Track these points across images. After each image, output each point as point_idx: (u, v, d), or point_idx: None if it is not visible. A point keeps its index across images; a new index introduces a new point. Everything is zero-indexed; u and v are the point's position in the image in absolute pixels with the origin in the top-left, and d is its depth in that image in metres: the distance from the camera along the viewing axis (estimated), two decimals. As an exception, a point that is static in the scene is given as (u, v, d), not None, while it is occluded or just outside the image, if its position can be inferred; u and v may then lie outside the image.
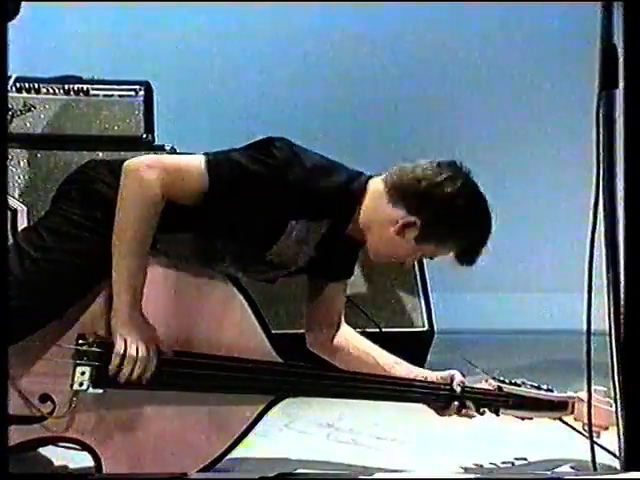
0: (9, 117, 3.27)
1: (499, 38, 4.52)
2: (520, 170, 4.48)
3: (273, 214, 2.03)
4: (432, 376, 2.23)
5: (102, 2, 4.02)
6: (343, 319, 2.31)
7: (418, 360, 2.34)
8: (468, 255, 2.14)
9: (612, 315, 1.79)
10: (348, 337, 2.30)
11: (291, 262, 2.14)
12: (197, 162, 2.01)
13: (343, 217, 2.12)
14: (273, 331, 2.11)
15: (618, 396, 1.81)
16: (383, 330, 2.33)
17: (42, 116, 3.28)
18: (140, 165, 1.99)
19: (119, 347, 1.93)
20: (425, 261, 3.22)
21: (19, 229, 2.18)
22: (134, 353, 1.93)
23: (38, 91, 3.27)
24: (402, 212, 2.09)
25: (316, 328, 2.29)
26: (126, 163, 2.00)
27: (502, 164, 4.25)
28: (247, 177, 1.99)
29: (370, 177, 2.16)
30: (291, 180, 1.99)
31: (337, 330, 2.29)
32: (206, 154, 2.04)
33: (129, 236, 1.96)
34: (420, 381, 2.21)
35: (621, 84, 1.93)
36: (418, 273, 3.32)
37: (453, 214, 2.09)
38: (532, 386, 2.28)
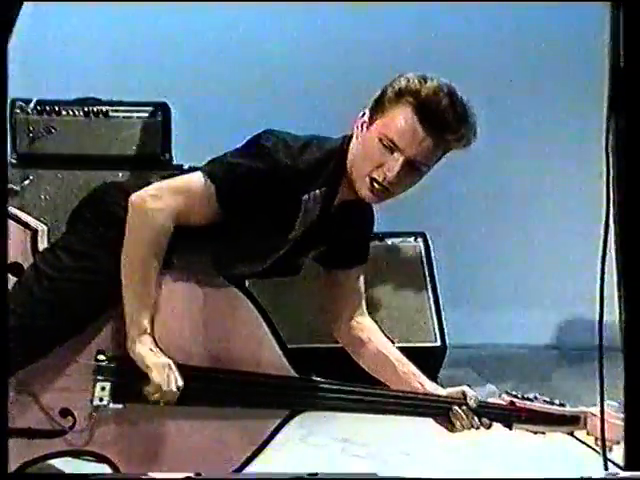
0: (30, 139, 3.36)
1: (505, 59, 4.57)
2: (525, 184, 4.52)
3: (280, 197, 2.07)
4: (445, 392, 2.26)
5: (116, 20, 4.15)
6: (365, 311, 2.33)
7: (430, 375, 2.37)
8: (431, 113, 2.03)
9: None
10: (371, 334, 2.31)
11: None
12: (197, 177, 2.06)
13: (335, 178, 2.14)
14: (288, 345, 2.15)
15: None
16: (396, 345, 2.37)
17: (62, 137, 3.38)
18: (145, 197, 2.03)
19: (142, 368, 1.97)
20: (437, 277, 3.31)
21: (39, 249, 2.23)
22: (156, 378, 1.97)
23: (58, 113, 3.36)
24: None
25: (337, 319, 2.32)
26: (132, 197, 2.03)
27: (507, 174, 4.28)
28: (247, 172, 2.05)
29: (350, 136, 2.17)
30: (283, 160, 2.04)
31: (359, 322, 2.31)
32: (201, 168, 2.09)
33: (138, 266, 2.01)
34: (436, 396, 2.23)
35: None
36: (430, 288, 3.38)
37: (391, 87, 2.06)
38: (544, 400, 2.30)
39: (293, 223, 2.13)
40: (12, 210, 2.52)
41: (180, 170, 3.24)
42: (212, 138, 3.85)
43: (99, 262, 2.05)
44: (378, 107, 2.09)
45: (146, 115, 3.39)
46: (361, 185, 2.10)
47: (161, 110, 3.40)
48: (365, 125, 2.11)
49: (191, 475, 1.81)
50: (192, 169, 2.20)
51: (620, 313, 1.95)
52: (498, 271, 4.43)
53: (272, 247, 2.19)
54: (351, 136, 2.15)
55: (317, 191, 2.13)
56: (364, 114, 2.12)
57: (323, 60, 4.39)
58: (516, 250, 4.45)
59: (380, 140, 2.05)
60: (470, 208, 4.39)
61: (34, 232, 2.25)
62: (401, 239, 3.42)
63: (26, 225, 2.29)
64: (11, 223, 2.30)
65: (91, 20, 4.22)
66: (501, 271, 4.43)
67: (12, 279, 2.16)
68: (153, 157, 3.39)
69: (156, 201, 2.02)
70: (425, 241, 3.42)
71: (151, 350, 1.98)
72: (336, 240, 2.25)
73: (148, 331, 1.99)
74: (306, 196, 2.12)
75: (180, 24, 4.31)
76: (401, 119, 2.04)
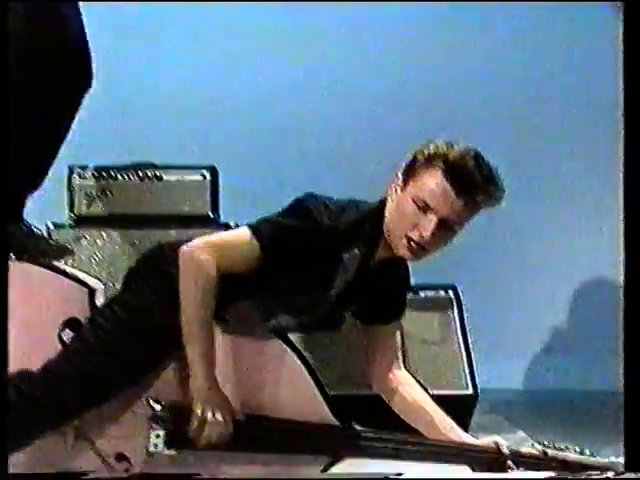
0: (87, 202, 3.53)
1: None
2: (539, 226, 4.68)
3: (321, 256, 2.21)
4: (479, 442, 2.35)
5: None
6: (401, 363, 2.45)
7: (462, 422, 2.46)
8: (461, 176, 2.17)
9: None
10: (407, 385, 2.42)
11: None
12: (244, 232, 2.23)
13: (373, 238, 2.28)
14: (330, 393, 2.27)
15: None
16: (429, 393, 2.46)
17: (118, 200, 3.51)
18: (194, 249, 2.20)
19: (199, 414, 2.10)
20: (468, 326, 3.41)
21: (97, 306, 2.38)
22: (213, 420, 2.10)
23: (115, 178, 3.49)
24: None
25: (375, 370, 2.43)
26: (182, 248, 2.20)
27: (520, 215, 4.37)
28: (289, 232, 2.20)
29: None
30: (324, 221, 2.20)
31: (395, 373, 2.42)
32: (249, 224, 2.25)
33: (193, 313, 2.15)
34: (471, 446, 2.33)
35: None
36: (461, 337, 3.46)
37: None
38: (575, 450, 2.36)
39: (333, 280, 2.27)
40: (70, 269, 2.69)
41: (226, 228, 3.47)
42: (256, 198, 4.13)
43: (154, 316, 2.20)
44: (410, 171, 2.24)
45: (196, 177, 3.54)
46: (398, 244, 2.23)
47: (210, 173, 3.54)
48: (399, 188, 2.25)
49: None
50: (236, 227, 2.37)
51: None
52: (525, 318, 4.59)
53: (313, 302, 2.32)
54: (386, 198, 2.29)
55: (356, 250, 2.27)
56: (397, 177, 2.26)
57: (357, 125, 4.64)
58: (541, 298, 4.63)
59: (414, 202, 2.20)
60: (497, 261, 4.63)
61: (92, 290, 2.41)
62: (433, 292, 3.54)
63: (84, 284, 2.45)
64: (70, 282, 2.48)
65: (144, 90, 4.51)
66: (528, 318, 4.59)
67: (70, 333, 2.33)
68: (202, 216, 3.52)
69: (203, 252, 2.18)
70: (455, 293, 3.52)
71: (209, 386, 2.12)
72: (374, 296, 2.38)
73: (209, 370, 2.12)
74: (345, 255, 2.26)
75: (227, 93, 4.55)
76: (432, 182, 2.19)
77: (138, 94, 4.48)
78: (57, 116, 2.82)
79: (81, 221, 3.52)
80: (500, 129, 4.60)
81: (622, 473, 2.18)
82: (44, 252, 2.73)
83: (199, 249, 2.20)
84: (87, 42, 2.81)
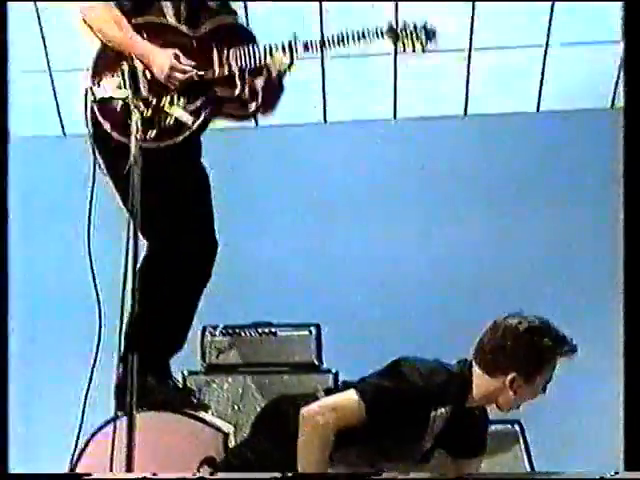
0: (216, 354, 4.24)
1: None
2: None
3: (414, 412, 2.65)
4: None
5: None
6: None
7: None
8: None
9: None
10: None
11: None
12: (352, 395, 2.70)
13: (460, 398, 2.71)
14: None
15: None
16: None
17: (241, 351, 4.17)
18: (313, 413, 2.67)
19: None
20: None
21: (230, 447, 2.98)
22: None
23: (239, 335, 4.17)
24: (502, 377, 2.70)
25: None
26: (303, 411, 2.67)
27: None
28: (387, 393, 2.68)
29: (469, 362, 2.78)
30: (417, 383, 2.66)
31: None
32: (355, 386, 2.74)
33: (310, 466, 2.60)
34: None
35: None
36: (527, 462, 3.80)
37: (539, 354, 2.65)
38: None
39: (424, 434, 2.71)
40: (207, 416, 3.31)
41: (328, 373, 4.10)
42: (355, 349, 4.77)
43: (275, 460, 2.69)
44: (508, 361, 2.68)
45: (304, 333, 4.17)
46: (489, 404, 2.74)
47: (315, 329, 4.18)
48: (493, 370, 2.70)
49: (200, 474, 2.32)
50: (345, 384, 2.89)
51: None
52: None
53: (407, 451, 2.76)
54: (472, 362, 2.76)
55: (444, 409, 2.70)
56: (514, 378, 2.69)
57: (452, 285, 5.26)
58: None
59: (511, 386, 2.70)
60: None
61: (226, 435, 3.02)
62: (502, 426, 3.78)
63: (218, 429, 3.05)
64: (204, 426, 3.07)
65: (261, 259, 5.28)
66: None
67: (207, 469, 2.93)
68: (310, 364, 4.13)
69: (321, 417, 2.64)
70: (521, 427, 3.81)
71: None
72: (462, 436, 2.81)
73: None
74: (435, 413, 2.69)
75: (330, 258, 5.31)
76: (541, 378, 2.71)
77: (256, 263, 5.26)
78: (196, 288, 3.48)
79: (211, 369, 4.14)
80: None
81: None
82: (183, 403, 3.36)
83: (317, 414, 2.64)
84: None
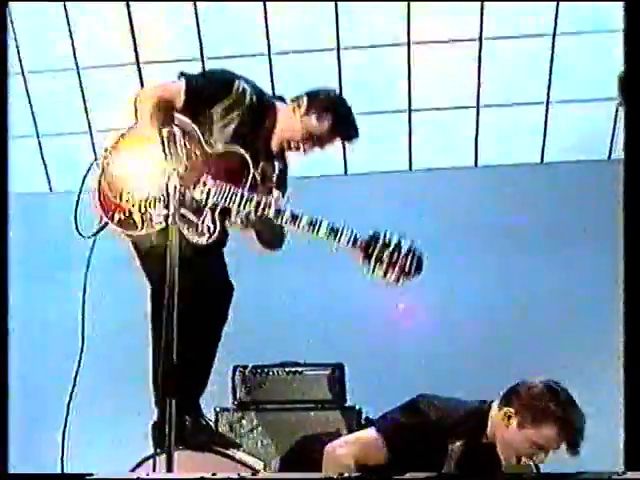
0: (247, 392, 4.52)
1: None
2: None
3: (431, 446, 2.86)
4: None
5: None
6: None
7: None
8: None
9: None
10: None
11: None
12: (372, 432, 2.95)
13: (475, 433, 2.91)
14: None
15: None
16: None
17: (270, 389, 4.43)
18: (335, 447, 2.94)
19: None
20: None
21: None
22: None
23: (267, 374, 4.45)
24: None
25: None
26: (327, 447, 2.92)
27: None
28: (406, 427, 2.92)
29: (489, 402, 2.98)
30: (433, 419, 2.89)
31: None
32: (375, 423, 2.98)
33: None
34: None
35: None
36: None
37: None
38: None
39: (442, 465, 2.90)
40: (238, 454, 3.51)
41: (352, 411, 4.36)
42: (377, 387, 5.04)
43: None
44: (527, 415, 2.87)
45: (328, 372, 4.43)
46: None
47: (338, 369, 4.45)
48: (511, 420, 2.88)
49: (205, 475, 2.39)
50: (367, 420, 3.13)
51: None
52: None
53: None
54: (490, 405, 2.96)
55: (459, 443, 2.90)
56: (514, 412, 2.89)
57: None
58: None
59: (532, 443, 2.87)
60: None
61: (256, 472, 3.18)
62: None
63: (249, 466, 3.21)
64: (235, 464, 3.26)
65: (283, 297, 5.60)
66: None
67: None
68: (334, 401, 4.38)
69: (343, 449, 2.91)
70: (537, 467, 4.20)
71: None
72: (480, 468, 2.95)
73: None
74: (455, 444, 2.90)
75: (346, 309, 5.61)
76: (549, 433, 2.85)
77: (282, 306, 5.58)
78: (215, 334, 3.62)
79: (241, 406, 4.40)
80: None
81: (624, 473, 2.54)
82: (216, 442, 3.51)
83: (339, 447, 2.90)
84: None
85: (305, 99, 3.35)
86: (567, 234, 5.69)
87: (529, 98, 5.79)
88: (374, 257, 2.99)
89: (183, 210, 3.08)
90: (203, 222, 3.21)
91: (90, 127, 5.98)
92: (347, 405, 4.42)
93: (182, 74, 3.37)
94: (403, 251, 2.97)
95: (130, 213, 3.28)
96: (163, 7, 5.68)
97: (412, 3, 5.62)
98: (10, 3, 5.27)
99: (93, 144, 5.99)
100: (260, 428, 4.41)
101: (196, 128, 3.36)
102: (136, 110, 3.32)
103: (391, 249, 2.96)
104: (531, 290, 5.61)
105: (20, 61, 5.86)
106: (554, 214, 5.73)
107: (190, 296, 3.04)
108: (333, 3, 5.74)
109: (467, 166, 6.06)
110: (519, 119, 5.83)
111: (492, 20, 5.61)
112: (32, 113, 6.00)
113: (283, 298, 5.67)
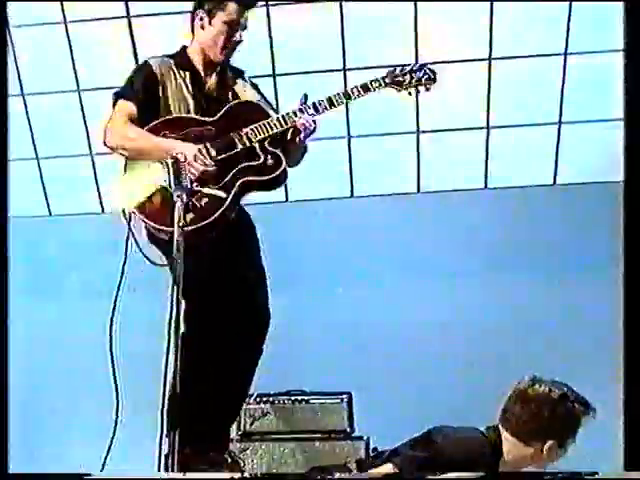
0: (251, 421, 4.42)
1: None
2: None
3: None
4: None
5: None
6: None
7: None
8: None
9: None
10: None
11: None
12: (390, 469, 2.88)
13: (492, 464, 2.87)
14: None
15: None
16: None
17: (275, 419, 4.38)
18: None
19: None
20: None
21: None
22: None
23: (272, 403, 4.38)
24: (539, 444, 2.89)
25: None
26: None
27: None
28: (420, 462, 2.84)
29: (497, 427, 2.95)
30: (447, 452, 2.84)
31: None
32: (390, 459, 2.93)
33: None
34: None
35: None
36: None
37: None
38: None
39: None
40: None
41: (359, 440, 4.25)
42: (385, 417, 4.94)
43: None
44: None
45: (336, 401, 4.37)
46: (520, 468, 2.90)
47: (346, 398, 4.39)
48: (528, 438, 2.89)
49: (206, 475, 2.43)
50: (375, 451, 3.08)
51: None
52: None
53: None
54: (498, 427, 2.94)
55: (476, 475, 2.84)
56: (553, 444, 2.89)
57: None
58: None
59: (548, 452, 2.89)
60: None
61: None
62: None
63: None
64: None
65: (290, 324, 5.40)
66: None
67: None
68: (342, 431, 4.33)
69: None
70: None
71: None
72: None
73: None
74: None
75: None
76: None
77: (288, 333, 5.40)
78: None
79: (245, 436, 4.35)
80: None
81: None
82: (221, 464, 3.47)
83: None
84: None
85: (200, 12, 3.57)
86: (579, 256, 5.57)
87: (539, 118, 5.69)
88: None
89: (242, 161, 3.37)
90: (266, 159, 3.44)
91: (91, 150, 5.90)
92: (355, 435, 4.35)
93: (114, 94, 3.54)
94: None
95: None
96: (167, 30, 5.60)
97: (420, 27, 5.54)
98: (11, 25, 5.35)
99: (94, 166, 5.92)
100: (264, 459, 4.33)
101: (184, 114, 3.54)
102: (114, 149, 3.46)
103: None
104: (545, 312, 5.49)
105: (20, 83, 5.79)
106: (566, 236, 5.62)
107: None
108: (339, 24, 5.68)
109: (476, 188, 5.95)
110: (530, 140, 5.72)
111: (502, 39, 5.53)
112: (32, 136, 5.92)
113: (290, 325, 5.54)
